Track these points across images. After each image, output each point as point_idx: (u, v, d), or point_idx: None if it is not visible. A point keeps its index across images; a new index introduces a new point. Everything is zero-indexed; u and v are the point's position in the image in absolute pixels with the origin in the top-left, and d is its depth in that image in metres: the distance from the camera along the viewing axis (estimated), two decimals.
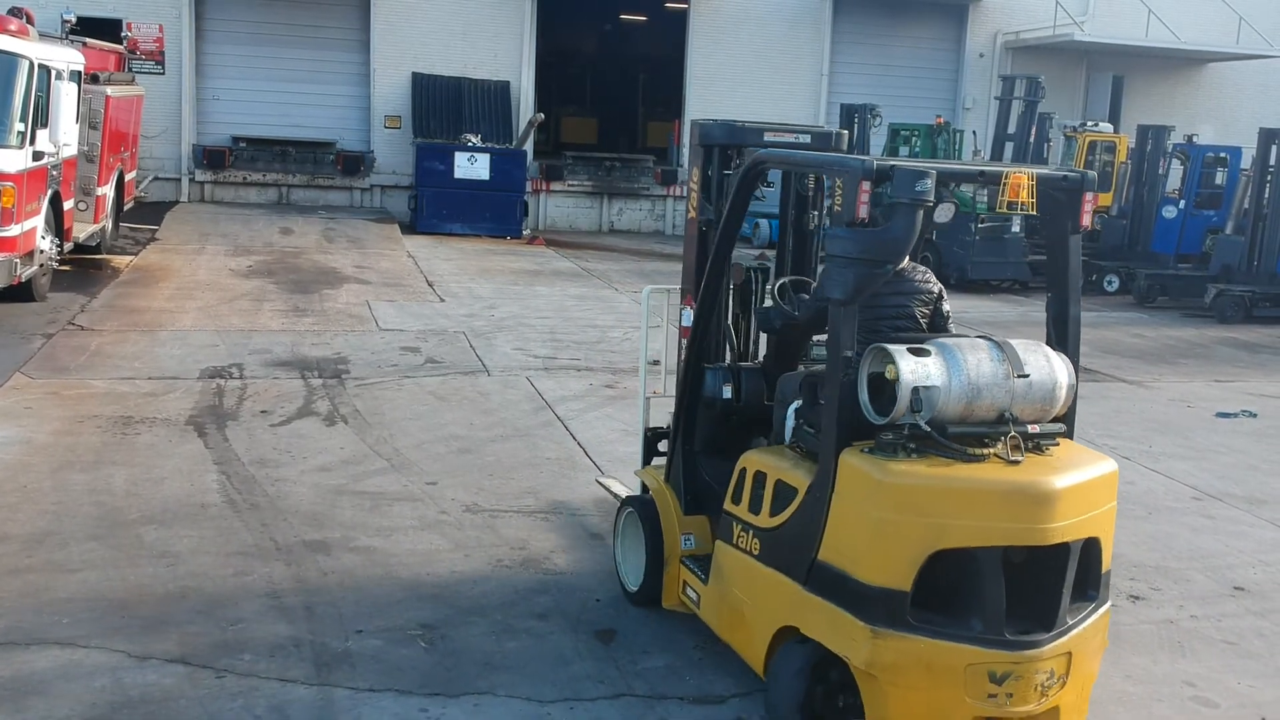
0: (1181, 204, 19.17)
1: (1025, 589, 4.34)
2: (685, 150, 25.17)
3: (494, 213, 21.10)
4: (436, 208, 20.90)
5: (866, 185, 4.37)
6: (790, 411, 5.00)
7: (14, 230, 11.13)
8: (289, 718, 4.59)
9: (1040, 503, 4.25)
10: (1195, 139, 19.94)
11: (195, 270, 15.26)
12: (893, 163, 4.42)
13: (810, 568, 4.47)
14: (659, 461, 6.08)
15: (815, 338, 5.50)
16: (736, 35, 25.11)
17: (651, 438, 6.22)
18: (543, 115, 23.11)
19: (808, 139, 5.71)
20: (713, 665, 5.25)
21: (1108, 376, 12.36)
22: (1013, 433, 4.36)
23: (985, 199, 18.59)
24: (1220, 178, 19.62)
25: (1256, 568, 6.95)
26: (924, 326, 4.97)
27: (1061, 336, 4.80)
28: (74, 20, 15.13)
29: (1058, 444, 4.55)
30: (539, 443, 8.50)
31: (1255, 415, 10.86)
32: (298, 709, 4.66)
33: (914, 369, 4.29)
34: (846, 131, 6.27)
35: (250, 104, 22.61)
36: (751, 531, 4.84)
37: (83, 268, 14.47)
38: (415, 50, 23.39)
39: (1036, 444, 4.48)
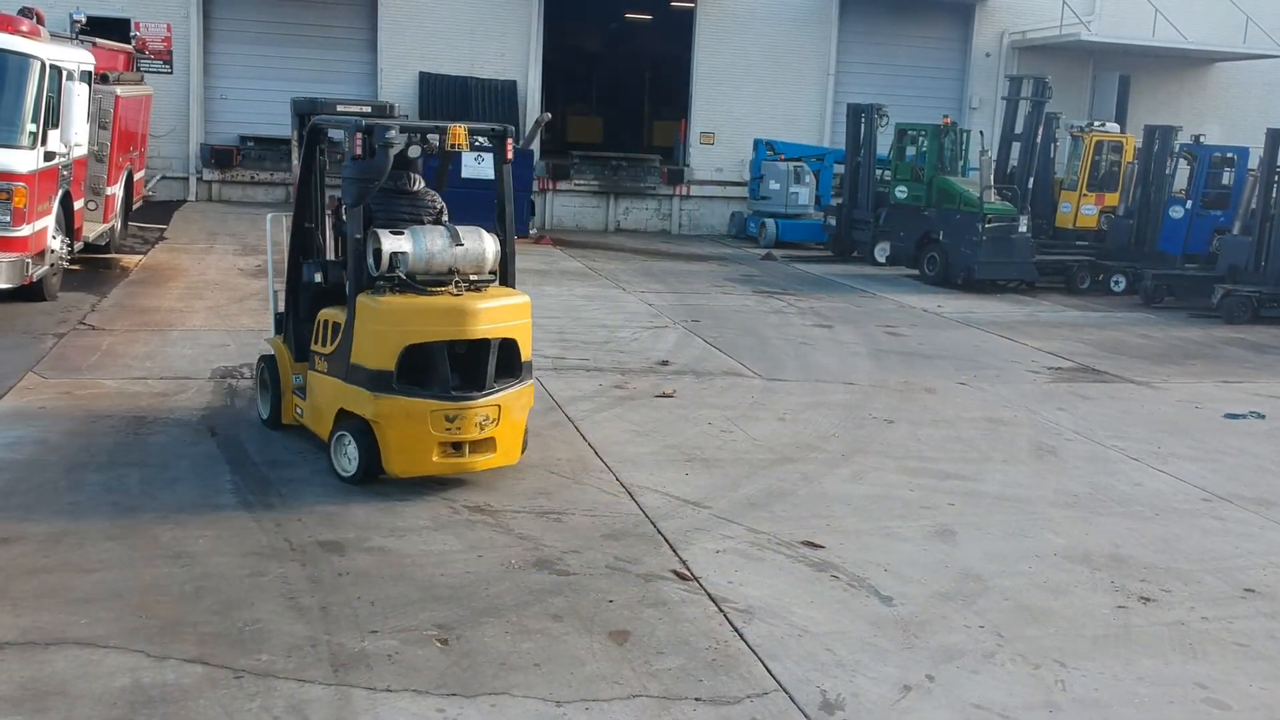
0: (1188, 204, 19.16)
1: (469, 368, 7.27)
2: (691, 148, 25.25)
3: None
4: None
5: (359, 135, 7.19)
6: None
7: (26, 230, 11.18)
8: (307, 717, 4.62)
9: (467, 314, 7.20)
10: (1202, 139, 19.90)
11: (204, 270, 15.31)
12: (373, 121, 7.32)
13: (347, 369, 7.28)
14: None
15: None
16: (743, 34, 25.13)
17: (280, 319, 8.54)
18: (549, 115, 23.13)
19: (369, 109, 8.42)
20: (726, 667, 5.29)
21: (1115, 377, 12.38)
22: (456, 279, 7.31)
23: (991, 199, 18.61)
24: (1227, 178, 19.60)
25: (1267, 569, 6.97)
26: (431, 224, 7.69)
27: (503, 227, 7.79)
28: (84, 20, 15.18)
29: (489, 288, 7.49)
30: (550, 443, 8.52)
31: (1263, 416, 10.87)
32: (316, 709, 4.69)
33: (392, 243, 7.17)
34: (396, 103, 9.11)
35: (258, 103, 22.65)
36: (322, 358, 7.65)
37: (92, 267, 14.52)
38: (422, 49, 23.44)
39: (476, 286, 7.41)
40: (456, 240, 7.34)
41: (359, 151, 7.15)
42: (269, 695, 4.76)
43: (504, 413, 7.34)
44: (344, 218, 7.62)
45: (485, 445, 7.32)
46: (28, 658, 4.94)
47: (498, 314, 7.32)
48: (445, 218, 7.92)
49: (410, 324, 7.10)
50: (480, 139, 7.83)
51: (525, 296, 7.63)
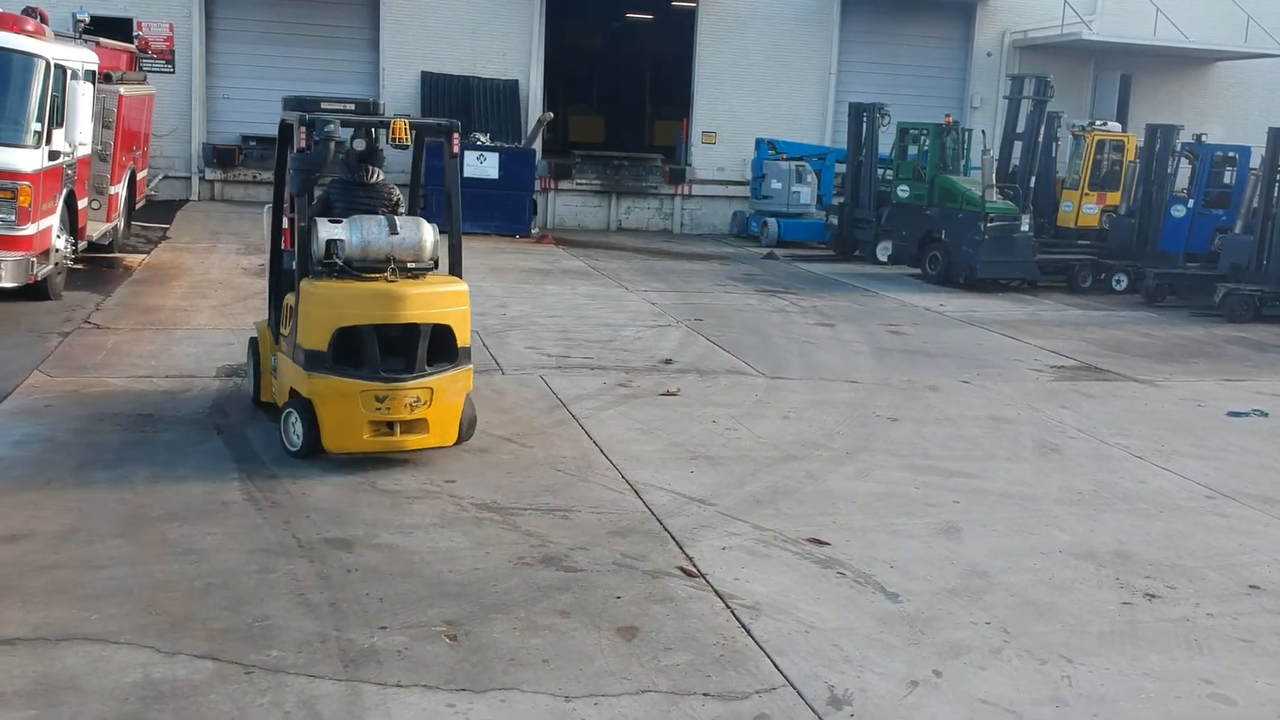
0: (1190, 203, 19.17)
1: (401, 351, 7.57)
2: (693, 148, 25.26)
3: (503, 211, 21.12)
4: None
5: (303, 128, 7.50)
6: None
7: (30, 229, 11.20)
8: (318, 713, 4.64)
9: (396, 300, 7.50)
10: (1204, 138, 19.92)
11: (208, 269, 15.33)
12: (315, 116, 7.58)
13: (294, 349, 7.66)
14: None
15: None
16: (744, 34, 25.14)
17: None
18: (551, 114, 23.14)
19: (352, 106, 8.38)
20: (734, 662, 5.30)
21: (1118, 375, 12.40)
22: (392, 266, 7.58)
23: (993, 198, 18.62)
24: (1229, 177, 19.61)
25: (1271, 566, 6.99)
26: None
27: (447, 217, 8.01)
28: (87, 20, 15.18)
29: (429, 274, 7.79)
30: (555, 441, 8.55)
31: (1266, 414, 10.89)
32: (326, 704, 4.71)
33: (329, 231, 7.57)
34: (383, 101, 9.04)
35: (260, 103, 22.57)
36: (284, 339, 7.98)
37: (96, 266, 14.54)
38: (425, 49, 23.46)
39: (414, 274, 7.69)
40: (393, 229, 7.64)
41: (304, 144, 7.52)
42: (279, 690, 4.78)
43: (436, 395, 7.62)
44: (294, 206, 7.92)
45: (417, 426, 7.63)
46: (39, 653, 4.95)
47: (430, 300, 7.62)
48: (402, 210, 8.27)
49: (342, 307, 7.46)
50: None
51: (463, 284, 7.90)
